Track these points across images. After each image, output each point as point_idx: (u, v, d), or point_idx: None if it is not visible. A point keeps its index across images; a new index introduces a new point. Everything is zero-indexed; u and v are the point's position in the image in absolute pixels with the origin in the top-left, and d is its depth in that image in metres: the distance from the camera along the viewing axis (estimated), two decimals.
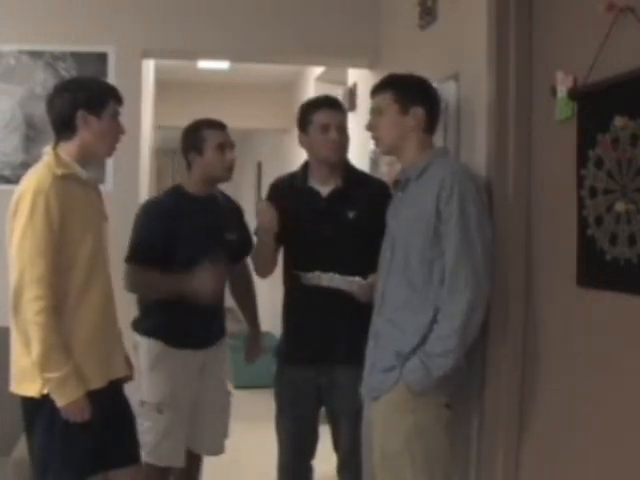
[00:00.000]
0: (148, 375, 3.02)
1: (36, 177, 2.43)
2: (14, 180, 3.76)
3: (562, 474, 2.31)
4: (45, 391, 2.40)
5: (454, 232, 2.36)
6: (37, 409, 2.44)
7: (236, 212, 3.34)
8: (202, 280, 2.97)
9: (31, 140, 3.80)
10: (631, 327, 1.98)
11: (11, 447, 2.95)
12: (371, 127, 2.63)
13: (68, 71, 3.80)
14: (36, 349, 2.35)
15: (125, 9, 3.85)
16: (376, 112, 2.60)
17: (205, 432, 3.21)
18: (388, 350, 2.46)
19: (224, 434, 3.30)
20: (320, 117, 2.88)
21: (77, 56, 3.82)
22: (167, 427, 3.06)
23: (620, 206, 1.97)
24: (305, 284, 2.85)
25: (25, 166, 3.77)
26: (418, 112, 2.53)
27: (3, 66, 3.80)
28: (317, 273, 2.80)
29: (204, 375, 3.17)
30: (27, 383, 2.42)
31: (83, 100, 2.50)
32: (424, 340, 2.38)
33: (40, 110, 3.78)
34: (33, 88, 3.81)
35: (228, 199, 3.35)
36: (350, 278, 2.75)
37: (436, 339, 2.36)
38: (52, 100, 2.55)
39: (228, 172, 3.15)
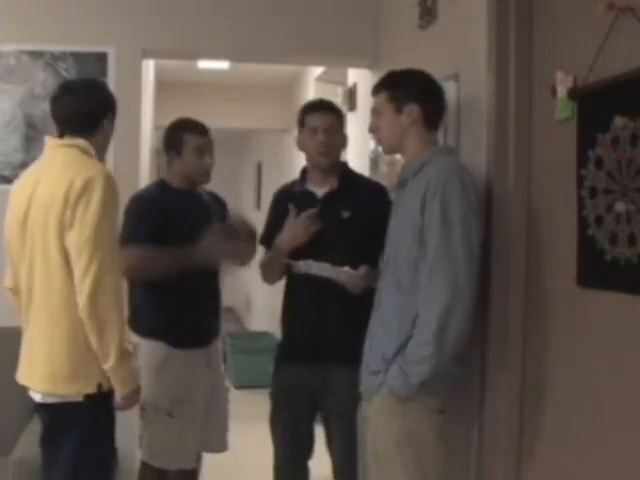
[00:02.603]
0: (153, 378, 2.95)
1: (97, 166, 2.45)
2: (14, 180, 3.77)
3: None
4: (99, 380, 2.40)
5: (434, 235, 2.31)
6: (72, 410, 2.41)
7: (221, 204, 3.36)
8: (208, 250, 2.99)
9: (31, 140, 3.80)
10: (631, 327, 1.98)
11: (11, 447, 2.96)
12: (372, 128, 2.63)
13: (68, 71, 3.80)
14: (114, 338, 2.34)
15: (125, 9, 3.85)
16: (375, 113, 2.60)
17: (212, 431, 3.21)
18: (377, 352, 2.45)
19: (226, 429, 3.31)
20: (310, 120, 2.96)
21: (77, 56, 3.82)
22: (180, 432, 3.03)
23: (620, 206, 1.97)
24: (297, 273, 2.87)
25: (25, 166, 3.77)
26: (412, 109, 2.49)
27: (3, 66, 3.80)
28: (309, 261, 2.81)
29: (210, 373, 3.17)
30: (80, 381, 2.39)
31: (113, 104, 2.59)
32: (406, 344, 2.34)
33: (40, 110, 3.81)
34: (33, 88, 3.81)
35: (211, 193, 3.36)
36: (340, 268, 2.75)
37: (413, 345, 2.31)
38: (86, 92, 2.56)
39: (205, 176, 3.19)
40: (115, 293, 2.37)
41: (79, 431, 2.41)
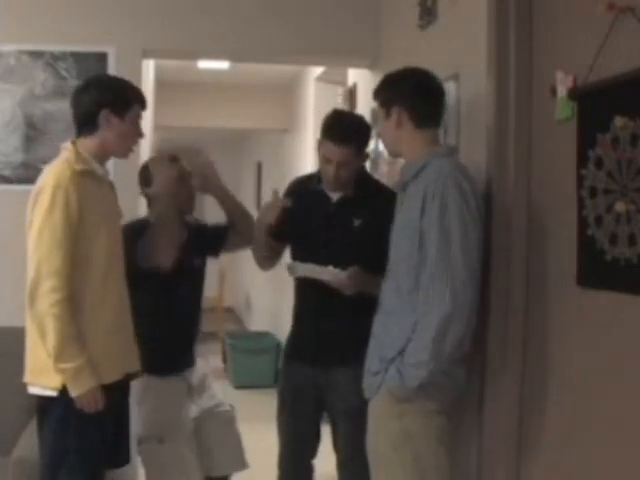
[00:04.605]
0: (138, 412, 2.92)
1: (56, 172, 2.47)
2: (14, 180, 3.79)
3: None
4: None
5: (433, 242, 2.30)
6: (50, 404, 2.45)
7: (200, 231, 3.24)
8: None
9: (31, 140, 3.80)
10: (631, 327, 1.98)
11: (11, 447, 2.95)
12: (378, 135, 2.63)
13: (68, 71, 3.80)
14: (51, 340, 2.38)
15: (125, 9, 3.85)
16: (376, 119, 2.61)
17: (218, 452, 3.17)
18: (376, 353, 2.46)
19: (241, 448, 3.24)
20: (325, 148, 2.83)
21: (77, 56, 3.82)
22: (175, 455, 2.99)
23: (620, 206, 1.97)
24: (294, 277, 2.87)
25: (25, 166, 3.80)
26: (398, 112, 2.47)
27: (3, 66, 3.80)
28: (295, 262, 2.81)
29: (193, 398, 3.15)
30: (49, 374, 2.43)
31: (109, 100, 2.56)
32: (406, 347, 2.34)
33: (40, 110, 3.81)
34: (33, 88, 3.81)
35: (192, 221, 3.27)
36: (323, 267, 2.73)
37: (411, 350, 2.31)
38: (78, 95, 2.60)
39: (190, 203, 3.13)
40: (51, 298, 2.37)
41: (54, 425, 2.46)
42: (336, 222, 2.89)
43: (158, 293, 3.01)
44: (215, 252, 3.30)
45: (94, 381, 2.43)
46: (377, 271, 2.63)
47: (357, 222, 2.86)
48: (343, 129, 2.82)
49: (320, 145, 2.88)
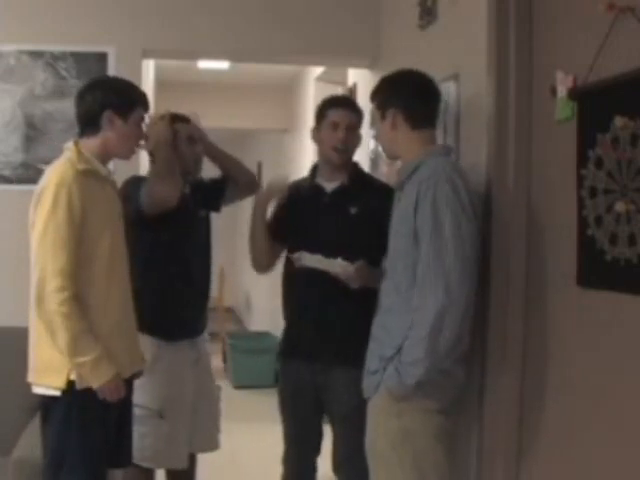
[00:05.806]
0: (144, 379, 2.88)
1: (59, 171, 2.48)
2: (14, 180, 3.79)
3: None
4: (72, 377, 2.43)
5: (426, 237, 2.31)
6: (54, 404, 2.46)
7: (199, 185, 3.28)
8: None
9: (31, 140, 3.81)
10: (631, 327, 1.98)
11: (11, 447, 2.95)
12: (375, 137, 2.65)
13: (68, 71, 3.81)
14: (64, 338, 2.39)
15: (125, 9, 3.86)
16: (373, 122, 2.64)
17: (201, 430, 3.19)
18: (375, 353, 2.46)
19: (218, 429, 3.30)
20: (332, 114, 2.92)
21: (77, 56, 3.82)
22: (170, 432, 3.02)
23: (620, 206, 1.97)
24: (298, 269, 2.85)
25: (25, 166, 3.80)
26: (393, 114, 2.50)
27: (3, 66, 3.80)
28: (303, 253, 2.80)
29: (198, 371, 3.17)
30: (52, 374, 2.45)
31: (112, 101, 2.57)
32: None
33: (40, 110, 3.82)
34: (33, 88, 3.82)
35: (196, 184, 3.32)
36: (333, 260, 2.73)
37: (407, 347, 2.32)
38: (82, 95, 2.61)
39: (197, 165, 3.21)
40: (58, 297, 2.38)
41: (57, 424, 2.47)
42: (332, 211, 2.91)
43: (167, 247, 3.04)
44: (216, 206, 3.36)
45: (113, 370, 2.46)
46: (376, 264, 2.67)
47: (354, 210, 2.87)
48: (347, 98, 3.14)
49: (325, 116, 2.92)
